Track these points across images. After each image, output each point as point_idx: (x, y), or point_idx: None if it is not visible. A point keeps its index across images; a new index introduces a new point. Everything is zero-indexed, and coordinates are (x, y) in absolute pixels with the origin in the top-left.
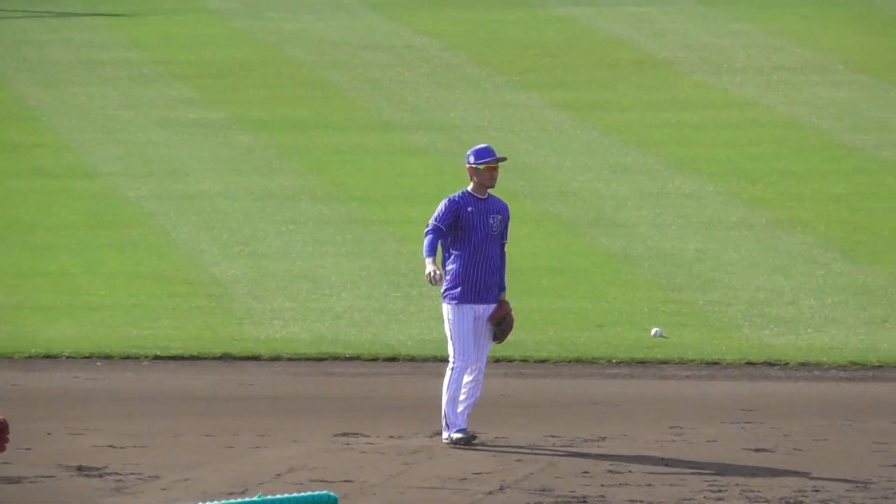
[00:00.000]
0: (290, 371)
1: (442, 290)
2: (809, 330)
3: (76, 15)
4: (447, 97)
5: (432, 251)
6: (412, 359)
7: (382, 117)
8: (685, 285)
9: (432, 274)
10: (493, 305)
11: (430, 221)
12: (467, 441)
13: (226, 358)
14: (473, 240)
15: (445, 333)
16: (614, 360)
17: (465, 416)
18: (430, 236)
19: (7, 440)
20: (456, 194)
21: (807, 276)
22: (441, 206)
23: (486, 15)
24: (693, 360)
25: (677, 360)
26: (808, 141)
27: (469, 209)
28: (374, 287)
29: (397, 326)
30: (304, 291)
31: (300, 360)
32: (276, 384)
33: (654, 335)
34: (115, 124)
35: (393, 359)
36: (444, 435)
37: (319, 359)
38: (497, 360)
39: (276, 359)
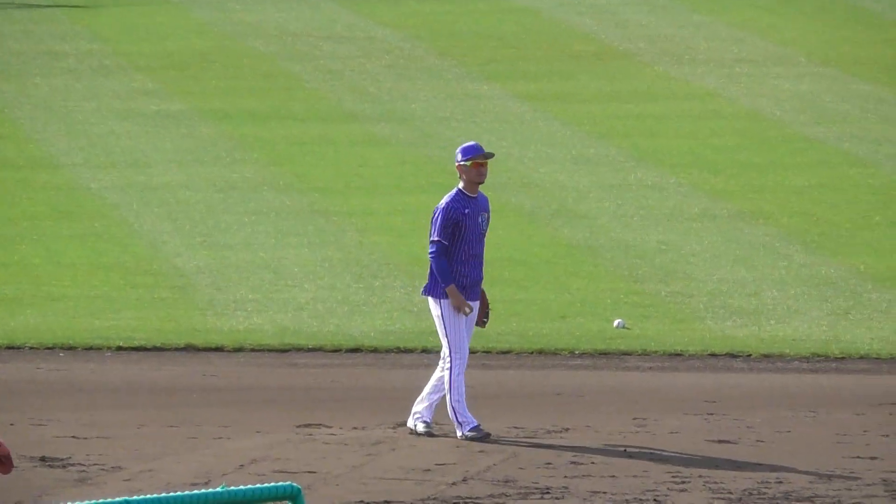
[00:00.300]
0: (253, 362)
1: (428, 288)
2: (772, 321)
3: (37, 6)
4: (409, 88)
5: (451, 276)
6: (375, 350)
7: (344, 108)
8: (647, 276)
9: (467, 310)
10: (478, 302)
11: (433, 238)
12: (482, 438)
13: (189, 349)
14: (466, 240)
15: (438, 331)
16: (577, 352)
17: (433, 407)
18: (441, 260)
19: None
20: (450, 199)
21: (769, 268)
22: (440, 218)
23: (447, 6)
24: (656, 352)
25: (640, 352)
26: (770, 133)
27: (466, 211)
28: (337, 278)
29: (360, 317)
30: (266, 282)
31: (263, 351)
32: (240, 375)
33: (617, 326)
34: (77, 115)
35: (356, 350)
36: (458, 433)
37: (282, 350)
38: None
39: (239, 350)
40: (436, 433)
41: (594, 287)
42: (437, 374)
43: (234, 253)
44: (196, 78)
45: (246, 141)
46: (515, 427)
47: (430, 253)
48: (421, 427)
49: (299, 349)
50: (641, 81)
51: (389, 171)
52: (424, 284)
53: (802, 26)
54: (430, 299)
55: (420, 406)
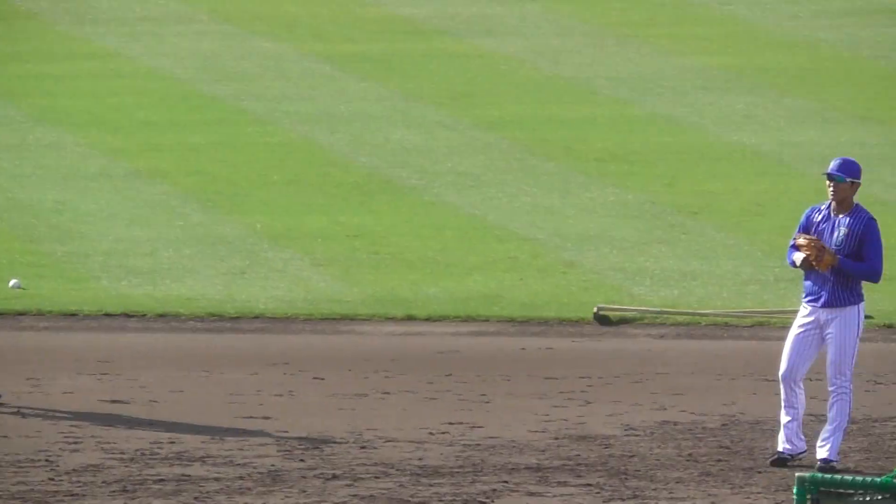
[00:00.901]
0: None
1: None
2: (167, 281)
3: None
4: None
5: None
6: None
7: None
8: (43, 237)
9: None
10: None
11: None
12: None
13: None
14: None
15: None
16: None
17: None
18: None
19: None
20: None
21: (165, 227)
22: None
23: None
24: (51, 312)
25: (35, 312)
26: (169, 91)
27: None
28: None
29: None
30: None
31: None
32: None
33: (13, 286)
34: None
35: None
36: None
37: None
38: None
39: None
40: None
41: None
42: None
43: None
44: None
45: None
46: None
47: None
48: None
49: None
50: (43, 41)
51: None
52: None
53: None
54: None
55: None
